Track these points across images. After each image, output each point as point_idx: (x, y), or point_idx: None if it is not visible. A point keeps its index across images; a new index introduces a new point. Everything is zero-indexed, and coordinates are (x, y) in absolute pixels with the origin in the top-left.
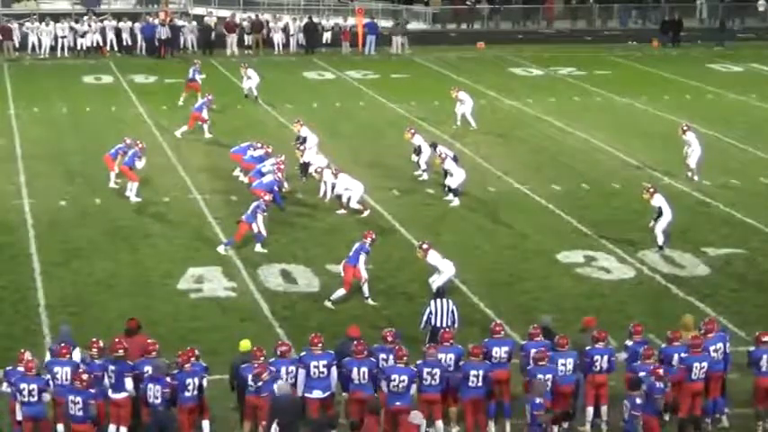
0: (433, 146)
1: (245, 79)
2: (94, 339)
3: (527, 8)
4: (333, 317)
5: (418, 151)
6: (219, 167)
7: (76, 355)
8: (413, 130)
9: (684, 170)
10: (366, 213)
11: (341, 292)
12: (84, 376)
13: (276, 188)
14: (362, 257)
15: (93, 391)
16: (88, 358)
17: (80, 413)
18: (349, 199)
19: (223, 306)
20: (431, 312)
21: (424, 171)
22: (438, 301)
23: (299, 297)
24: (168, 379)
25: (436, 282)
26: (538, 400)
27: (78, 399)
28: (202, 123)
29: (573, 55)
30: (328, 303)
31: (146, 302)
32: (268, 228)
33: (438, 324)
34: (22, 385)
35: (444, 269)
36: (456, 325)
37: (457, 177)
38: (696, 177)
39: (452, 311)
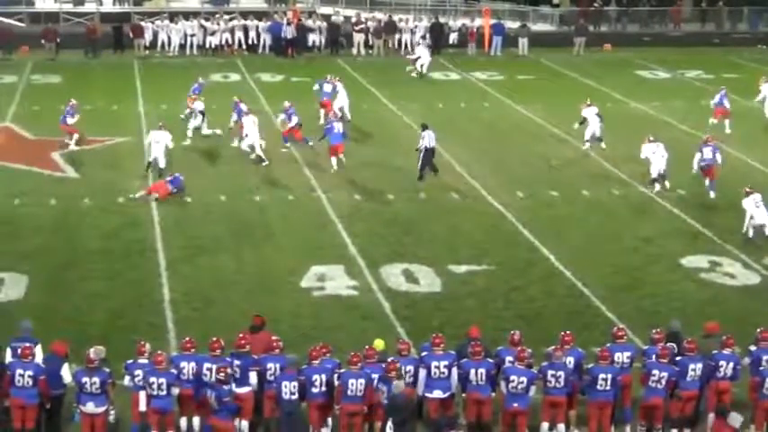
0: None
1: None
2: (215, 339)
3: (655, 10)
4: (454, 317)
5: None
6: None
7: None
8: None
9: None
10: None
11: None
12: (228, 371)
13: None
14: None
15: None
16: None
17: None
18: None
19: (345, 304)
20: None
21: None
22: None
23: (421, 297)
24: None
25: None
26: None
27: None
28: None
29: (700, 58)
30: None
31: (268, 300)
32: (390, 228)
33: None
34: (152, 379)
35: None
36: None
37: (655, 165)
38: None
39: None
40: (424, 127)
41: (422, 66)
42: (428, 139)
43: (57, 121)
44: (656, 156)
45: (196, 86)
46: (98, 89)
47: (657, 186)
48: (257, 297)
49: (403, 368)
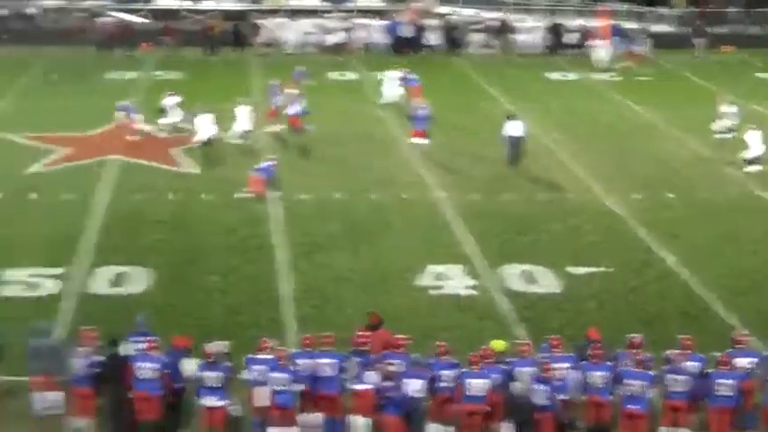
0: None
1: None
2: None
3: None
4: (574, 319)
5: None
6: (456, 166)
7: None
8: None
9: None
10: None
11: None
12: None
13: None
14: None
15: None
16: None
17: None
18: None
19: (462, 304)
20: None
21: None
22: None
23: (540, 298)
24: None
25: None
26: None
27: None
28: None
29: None
30: None
31: (384, 297)
32: (507, 228)
33: None
34: (274, 374)
35: None
36: None
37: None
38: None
39: None
40: (510, 117)
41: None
42: (513, 128)
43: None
44: (756, 140)
45: (296, 73)
46: (217, 86)
47: (753, 167)
48: (373, 295)
49: (523, 369)
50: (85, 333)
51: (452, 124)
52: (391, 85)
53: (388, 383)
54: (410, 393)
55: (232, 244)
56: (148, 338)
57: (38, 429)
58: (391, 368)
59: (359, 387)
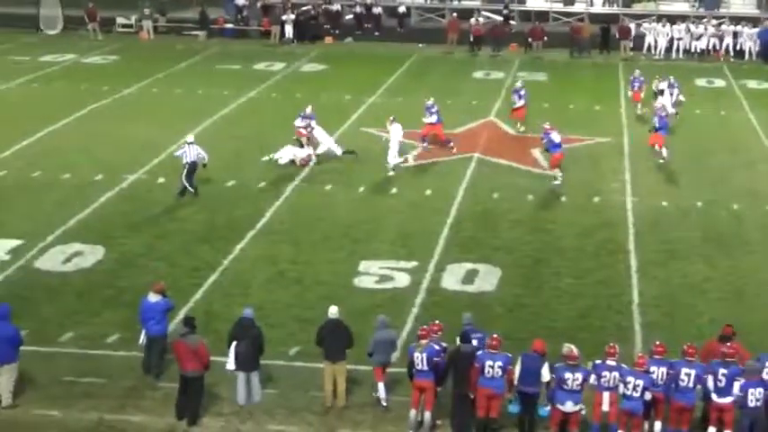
0: None
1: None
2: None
3: None
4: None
5: None
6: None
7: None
8: None
9: None
10: None
11: None
12: None
13: None
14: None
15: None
16: None
17: None
18: None
19: None
20: None
21: None
22: None
23: None
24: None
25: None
26: None
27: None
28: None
29: None
30: None
31: (739, 310)
32: None
33: None
34: (629, 378)
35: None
36: None
37: None
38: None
39: None
40: None
41: None
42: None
43: (540, 118)
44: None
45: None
46: (581, 89)
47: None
48: (728, 307)
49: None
50: (428, 327)
51: None
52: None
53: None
54: (750, 403)
55: (586, 247)
56: (494, 335)
57: (383, 418)
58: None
59: (721, 401)
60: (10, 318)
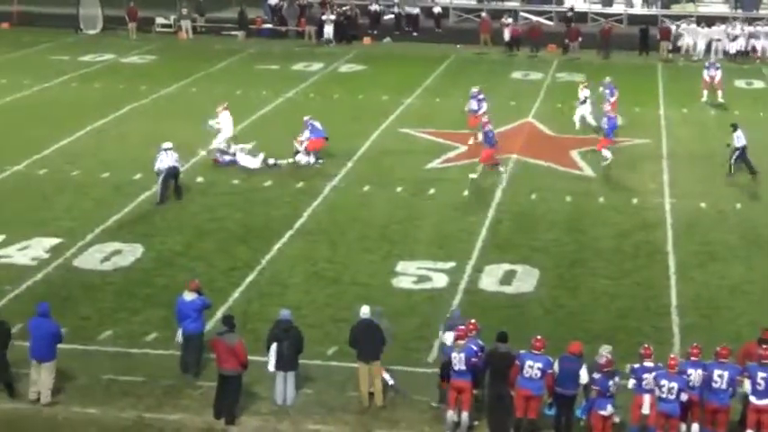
0: None
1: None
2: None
3: None
4: None
5: None
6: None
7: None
8: None
9: None
10: None
11: None
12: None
13: None
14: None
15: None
16: None
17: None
18: None
19: None
20: None
21: None
22: None
23: None
24: None
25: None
26: None
27: None
28: None
29: None
30: None
31: None
32: None
33: None
34: (663, 381)
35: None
36: None
37: None
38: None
39: None
40: (735, 127)
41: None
42: (737, 139)
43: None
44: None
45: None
46: (621, 90)
47: None
48: (767, 309)
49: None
50: (465, 327)
51: None
52: None
53: None
54: None
55: (625, 249)
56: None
57: (420, 419)
58: None
59: (760, 403)
60: (51, 315)
